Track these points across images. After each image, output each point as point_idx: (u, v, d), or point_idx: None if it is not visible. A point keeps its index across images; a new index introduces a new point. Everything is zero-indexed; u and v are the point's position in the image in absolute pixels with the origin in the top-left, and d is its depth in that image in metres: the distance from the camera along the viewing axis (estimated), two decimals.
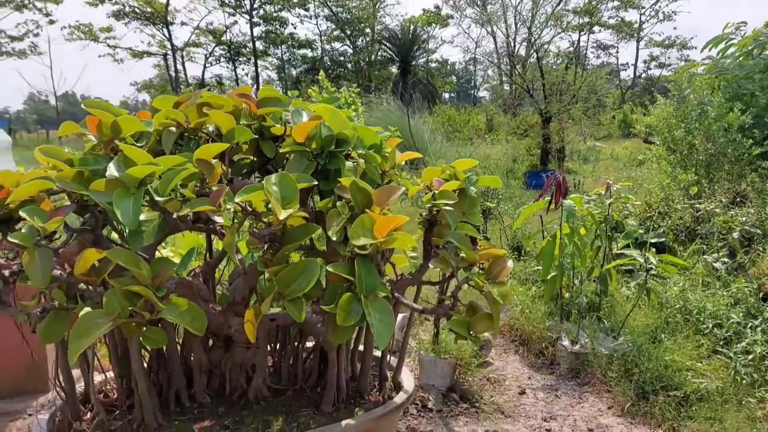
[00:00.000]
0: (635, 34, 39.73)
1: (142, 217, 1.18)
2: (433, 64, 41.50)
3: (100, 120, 1.28)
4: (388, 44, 38.08)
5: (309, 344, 1.69)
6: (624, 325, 3.37)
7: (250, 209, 1.24)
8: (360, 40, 37.93)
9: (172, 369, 1.51)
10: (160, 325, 1.29)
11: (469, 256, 1.36)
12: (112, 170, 1.17)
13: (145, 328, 1.19)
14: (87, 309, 1.16)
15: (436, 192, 1.38)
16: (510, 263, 1.37)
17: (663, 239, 4.37)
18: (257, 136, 1.39)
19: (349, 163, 1.35)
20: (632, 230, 3.93)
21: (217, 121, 1.35)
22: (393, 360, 1.67)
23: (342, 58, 38.43)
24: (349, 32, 37.33)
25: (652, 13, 37.47)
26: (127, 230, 1.20)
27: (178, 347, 1.54)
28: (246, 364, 1.57)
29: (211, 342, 1.57)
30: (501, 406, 3.00)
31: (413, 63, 38.19)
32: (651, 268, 3.16)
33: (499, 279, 1.35)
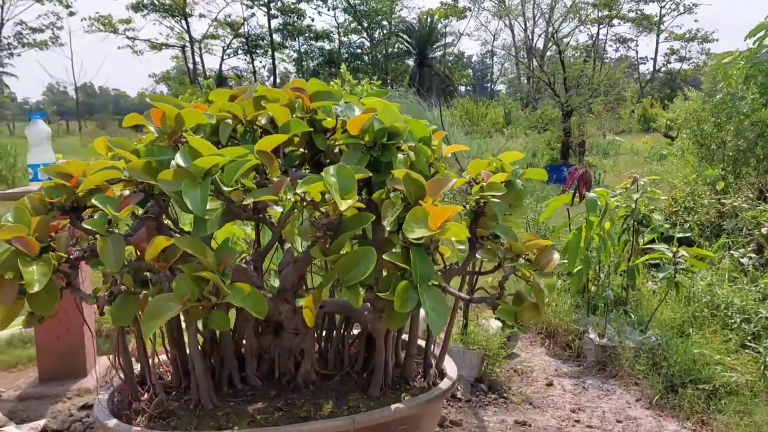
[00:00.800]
0: (655, 28, 39.26)
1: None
2: (450, 58, 41.35)
3: (163, 112, 1.33)
4: (405, 37, 37.95)
5: (353, 331, 1.74)
6: (651, 318, 3.39)
7: (308, 199, 1.29)
8: (377, 32, 37.84)
9: (224, 353, 1.57)
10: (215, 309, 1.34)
11: (515, 247, 1.39)
12: (179, 161, 1.22)
13: (210, 312, 1.24)
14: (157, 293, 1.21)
15: (484, 184, 1.42)
16: (556, 255, 1.40)
17: (689, 234, 4.37)
18: (311, 129, 1.44)
19: (399, 155, 1.40)
20: (658, 225, 3.94)
21: (274, 114, 1.39)
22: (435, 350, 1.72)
23: (359, 51, 38.38)
24: (366, 24, 37.25)
25: (673, 6, 36.95)
26: (192, 218, 1.25)
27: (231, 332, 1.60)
28: (295, 350, 1.62)
29: (261, 327, 1.63)
30: (529, 396, 3.04)
31: (430, 56, 38.03)
32: (680, 262, 3.17)
33: (546, 270, 1.39)
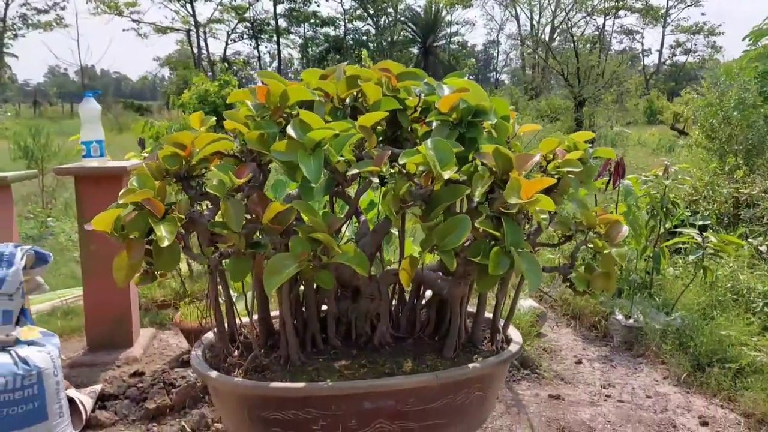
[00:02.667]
0: (661, 19, 39.13)
1: None
2: (454, 46, 41.26)
3: (268, 88, 1.43)
4: (410, 24, 37.83)
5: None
6: (677, 301, 3.52)
7: (405, 171, 1.40)
8: (383, 19, 37.72)
9: (308, 314, 1.69)
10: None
11: (588, 219, 1.51)
12: (291, 132, 1.32)
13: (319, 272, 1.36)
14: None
15: (560, 161, 1.53)
16: (626, 228, 1.51)
17: (707, 222, 4.49)
18: (401, 107, 1.54)
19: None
20: (681, 213, 4.05)
21: (367, 92, 1.50)
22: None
23: (364, 38, 38.29)
24: (372, 11, 37.14)
25: None
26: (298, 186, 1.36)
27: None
28: (371, 314, 1.73)
29: (340, 293, 1.74)
30: (560, 373, 3.17)
31: (435, 44, 37.95)
32: (707, 247, 3.29)
33: (616, 242, 1.50)
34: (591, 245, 1.53)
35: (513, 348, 1.66)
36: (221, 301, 1.64)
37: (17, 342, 2.32)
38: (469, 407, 1.56)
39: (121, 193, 1.30)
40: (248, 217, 1.38)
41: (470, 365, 1.54)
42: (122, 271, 1.35)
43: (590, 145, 1.65)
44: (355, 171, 1.36)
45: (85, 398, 2.64)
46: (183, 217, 1.35)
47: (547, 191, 1.55)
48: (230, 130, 1.49)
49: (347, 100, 1.61)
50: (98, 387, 2.80)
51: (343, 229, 1.97)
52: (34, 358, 2.22)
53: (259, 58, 38.65)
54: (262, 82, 1.46)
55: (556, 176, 1.54)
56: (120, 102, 32.55)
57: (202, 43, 37.02)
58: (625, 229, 1.52)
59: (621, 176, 3.38)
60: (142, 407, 2.72)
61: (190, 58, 36.56)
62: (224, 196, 1.31)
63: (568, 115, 11.80)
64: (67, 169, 3.07)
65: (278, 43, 37.41)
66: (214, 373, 1.50)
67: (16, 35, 34.14)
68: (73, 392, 2.62)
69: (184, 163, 1.42)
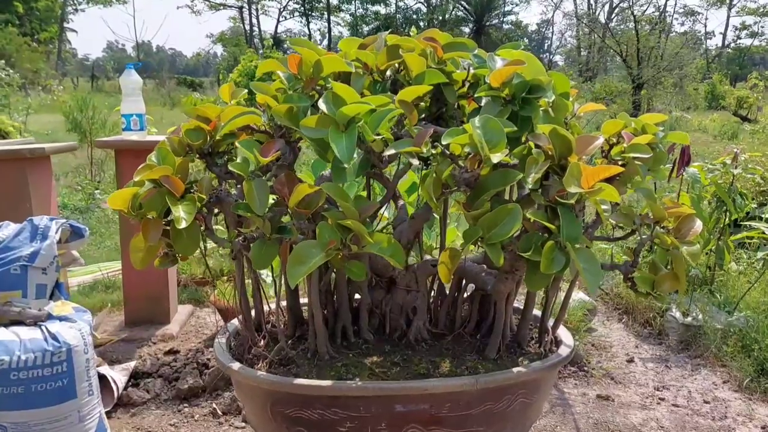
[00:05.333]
0: (727, 1, 37.31)
1: None
2: (507, 26, 40.37)
3: (301, 58, 1.30)
4: (463, 3, 37.10)
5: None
6: (741, 300, 3.27)
7: (448, 153, 1.25)
8: None
9: (339, 305, 1.57)
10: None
11: (656, 212, 1.33)
12: (323, 107, 1.19)
13: (347, 261, 1.23)
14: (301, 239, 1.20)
15: (626, 145, 1.35)
16: (699, 223, 1.33)
17: None
18: (447, 81, 1.39)
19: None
20: (748, 205, 3.77)
21: (409, 63, 1.35)
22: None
23: (415, 17, 37.80)
24: None
25: None
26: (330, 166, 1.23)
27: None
28: (407, 306, 1.60)
29: (374, 282, 1.62)
30: (610, 371, 2.98)
31: (488, 23, 37.17)
32: None
33: (687, 238, 1.32)
34: (657, 241, 1.35)
35: (563, 351, 1.51)
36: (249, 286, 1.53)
37: (49, 317, 2.28)
38: (511, 414, 1.42)
39: (138, 169, 1.20)
40: (276, 198, 1.26)
41: (514, 369, 1.39)
42: (139, 253, 1.25)
43: (660, 128, 1.46)
44: (392, 151, 1.22)
45: (117, 375, 2.60)
46: (204, 196, 1.24)
47: (609, 179, 1.37)
48: (260, 103, 1.36)
49: (388, 73, 1.46)
50: (132, 364, 2.77)
51: (384, 212, 1.83)
52: (65, 335, 2.18)
53: (310, 36, 38.62)
54: (295, 51, 1.32)
55: (620, 162, 1.36)
56: (174, 78, 33.13)
57: (254, 20, 37.22)
58: (699, 224, 1.33)
59: (686, 164, 3.13)
60: (174, 387, 2.68)
61: (241, 35, 36.83)
62: (248, 175, 1.19)
63: (626, 98, 11.29)
64: (107, 142, 3.03)
65: (329, 21, 37.29)
66: (236, 365, 1.40)
67: (76, 10, 35.04)
68: (106, 369, 2.59)
69: (208, 138, 1.31)
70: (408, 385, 1.33)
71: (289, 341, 1.55)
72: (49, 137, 9.86)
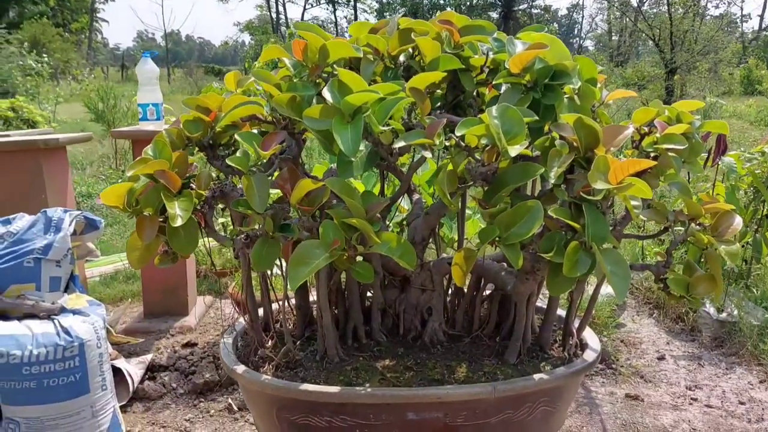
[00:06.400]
0: None
1: None
2: (536, 11, 39.72)
3: (306, 43, 1.21)
4: None
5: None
6: None
7: (463, 145, 1.16)
8: None
9: (350, 304, 1.49)
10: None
11: (691, 208, 1.22)
12: (327, 96, 1.11)
13: (353, 263, 1.15)
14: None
15: (658, 135, 1.24)
16: (739, 220, 1.22)
17: None
18: (464, 67, 1.29)
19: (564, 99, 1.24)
20: None
21: (422, 48, 1.26)
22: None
23: (442, 2, 37.34)
24: None
25: None
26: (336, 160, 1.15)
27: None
28: (421, 306, 1.52)
29: (386, 281, 1.54)
30: (639, 369, 2.87)
31: (516, 8, 36.60)
32: None
33: (725, 237, 1.21)
34: (693, 239, 1.24)
35: (589, 356, 1.41)
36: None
37: (63, 310, 2.25)
38: (532, 424, 1.33)
39: (132, 163, 1.13)
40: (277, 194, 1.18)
41: (536, 376, 1.30)
42: (136, 252, 1.19)
43: (696, 116, 1.34)
44: (402, 144, 1.13)
45: (133, 369, 2.58)
46: (203, 192, 1.17)
47: (640, 173, 1.26)
48: (265, 92, 1.28)
49: (401, 59, 1.37)
50: (149, 357, 2.74)
51: (404, 203, 1.74)
52: (77, 329, 2.15)
53: (336, 23, 38.48)
54: (300, 37, 1.24)
55: (652, 155, 1.25)
56: (201, 67, 33.32)
57: (281, 8, 37.20)
58: (738, 221, 1.22)
59: (722, 153, 2.97)
60: (190, 381, 2.64)
61: (268, 23, 36.87)
62: (247, 170, 1.12)
63: (658, 84, 10.95)
64: (123, 132, 2.99)
65: (355, 8, 37.06)
66: (240, 368, 1.34)
67: (106, 0, 35.39)
68: (121, 362, 2.57)
69: (209, 130, 1.23)
70: (421, 392, 1.25)
71: (298, 342, 1.48)
72: (78, 126, 9.96)
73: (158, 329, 3.16)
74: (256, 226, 1.14)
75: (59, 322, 2.19)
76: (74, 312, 2.28)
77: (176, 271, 3.24)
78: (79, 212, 2.49)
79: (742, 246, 3.41)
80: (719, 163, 3.12)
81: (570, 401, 1.47)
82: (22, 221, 2.42)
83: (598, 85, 1.33)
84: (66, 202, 2.74)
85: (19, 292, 2.28)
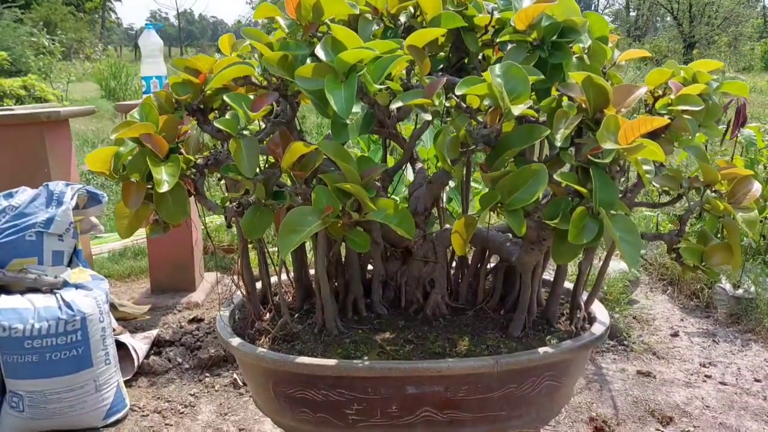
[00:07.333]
0: None
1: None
2: None
3: (299, 1, 1.15)
4: None
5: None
6: None
7: (465, 106, 1.10)
8: None
9: (350, 276, 1.45)
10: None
11: (707, 173, 1.15)
12: (320, 54, 1.05)
13: (349, 231, 1.10)
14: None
15: (673, 97, 1.16)
16: (757, 186, 1.15)
17: None
18: (467, 26, 1.22)
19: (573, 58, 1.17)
20: None
21: (424, 5, 1.19)
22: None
23: None
24: None
25: None
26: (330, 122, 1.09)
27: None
28: (423, 279, 1.47)
29: (388, 252, 1.49)
30: (652, 346, 2.81)
31: None
32: None
33: (743, 204, 1.14)
34: (708, 207, 1.17)
35: (597, 330, 1.35)
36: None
37: (65, 285, 2.24)
38: (537, 398, 1.28)
39: (115, 126, 1.08)
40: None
41: (540, 350, 1.25)
42: (124, 220, 1.15)
43: (715, 77, 1.27)
44: (399, 104, 1.07)
45: (138, 344, 2.56)
46: (192, 158, 1.12)
47: (654, 136, 1.19)
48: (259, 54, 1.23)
49: (402, 18, 1.30)
50: (154, 332, 2.73)
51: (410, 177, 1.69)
52: (79, 303, 2.13)
53: None
54: None
55: (666, 117, 1.18)
56: (214, 46, 33.20)
57: None
58: (757, 187, 1.15)
59: (741, 125, 2.87)
60: (196, 356, 2.63)
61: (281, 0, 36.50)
62: (237, 133, 1.06)
63: (676, 59, 10.71)
64: (126, 105, 2.95)
65: None
66: (235, 341, 1.30)
67: None
68: (126, 338, 2.55)
69: (199, 92, 1.18)
70: (420, 365, 1.21)
71: (296, 315, 1.44)
72: (90, 104, 9.97)
73: (165, 305, 3.15)
74: (244, 193, 1.09)
75: (61, 296, 2.17)
76: (77, 286, 2.26)
77: (184, 248, 3.22)
78: (81, 186, 2.46)
79: (761, 221, 3.32)
80: (738, 135, 3.01)
81: (577, 376, 1.42)
82: (24, 195, 2.40)
83: (610, 45, 1.26)
84: (69, 176, 2.71)
85: (22, 266, 2.26)
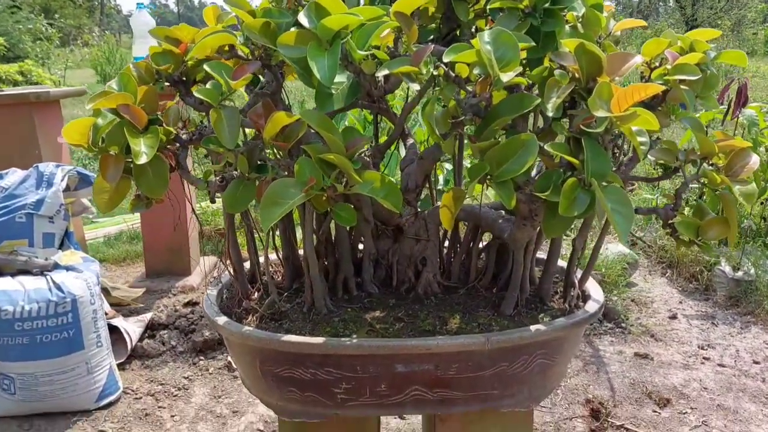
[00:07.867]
0: None
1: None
2: None
3: None
4: None
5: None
6: None
7: (453, 75, 1.06)
8: None
9: (340, 255, 1.42)
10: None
11: (704, 145, 1.11)
12: (303, 20, 1.01)
13: (335, 204, 1.07)
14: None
15: (669, 66, 1.13)
16: (756, 158, 1.11)
17: None
18: None
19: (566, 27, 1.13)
20: None
21: None
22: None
23: None
24: None
25: None
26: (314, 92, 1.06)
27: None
28: (415, 257, 1.44)
29: (379, 230, 1.46)
30: (650, 329, 2.79)
31: None
32: None
33: (740, 176, 1.11)
34: (705, 180, 1.14)
35: (591, 307, 1.32)
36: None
37: (56, 267, 2.21)
38: (529, 377, 1.26)
39: (91, 95, 1.05)
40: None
41: (532, 327, 1.22)
42: (104, 194, 1.12)
43: (712, 46, 1.23)
44: (385, 72, 1.03)
45: (131, 327, 2.54)
46: (172, 129, 1.09)
47: (650, 107, 1.16)
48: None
49: None
50: (148, 316, 2.71)
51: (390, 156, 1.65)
52: (70, 285, 2.11)
53: None
54: None
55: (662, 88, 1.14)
56: None
57: None
58: (755, 159, 1.12)
59: (743, 105, 2.83)
60: (190, 339, 2.61)
61: None
62: (218, 103, 1.03)
63: None
64: None
65: None
66: (222, 319, 1.27)
67: None
68: (119, 321, 2.54)
69: (180, 63, 1.15)
70: (409, 343, 1.18)
71: (285, 294, 1.42)
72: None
73: (160, 289, 3.13)
74: (225, 165, 1.06)
75: (52, 278, 2.14)
76: (68, 268, 2.24)
77: (179, 232, 3.19)
78: (72, 167, 2.43)
79: (761, 203, 3.29)
80: (739, 115, 2.97)
81: (570, 355, 1.40)
82: (13, 176, 2.37)
83: (605, 14, 1.22)
84: (61, 158, 2.68)
85: (12, 248, 2.24)
